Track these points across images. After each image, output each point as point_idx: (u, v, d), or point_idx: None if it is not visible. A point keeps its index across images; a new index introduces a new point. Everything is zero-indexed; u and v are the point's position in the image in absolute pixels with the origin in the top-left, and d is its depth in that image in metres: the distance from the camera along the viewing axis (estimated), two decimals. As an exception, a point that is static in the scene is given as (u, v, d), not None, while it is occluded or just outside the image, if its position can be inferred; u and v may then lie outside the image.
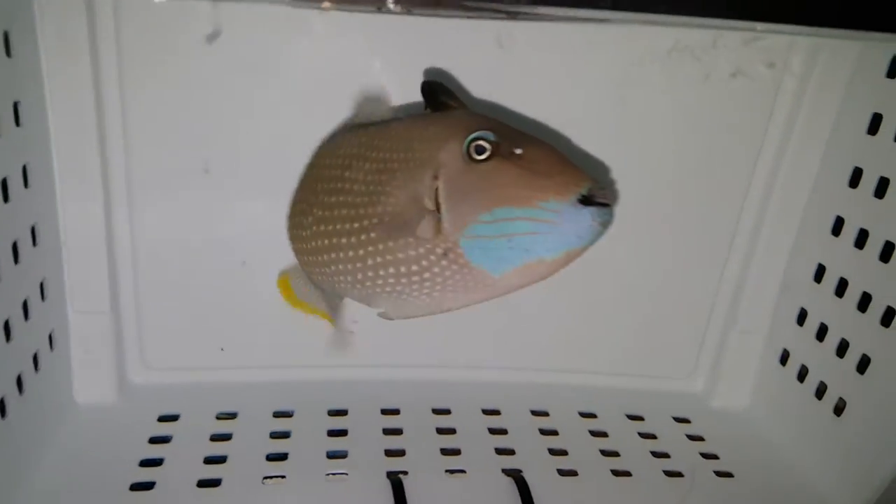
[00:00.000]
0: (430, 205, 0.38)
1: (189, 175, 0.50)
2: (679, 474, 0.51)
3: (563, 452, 0.52)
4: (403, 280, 0.40)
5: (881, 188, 0.48)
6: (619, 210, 0.43)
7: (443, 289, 0.40)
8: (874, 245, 0.48)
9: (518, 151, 0.36)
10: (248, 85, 0.48)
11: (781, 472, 0.53)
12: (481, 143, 0.36)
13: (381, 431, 0.52)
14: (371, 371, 0.57)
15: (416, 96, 0.47)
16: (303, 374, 0.56)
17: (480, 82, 0.49)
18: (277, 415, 0.53)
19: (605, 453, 0.52)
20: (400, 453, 0.50)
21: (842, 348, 0.50)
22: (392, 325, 0.51)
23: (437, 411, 0.55)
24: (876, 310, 0.47)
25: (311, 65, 0.49)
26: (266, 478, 0.47)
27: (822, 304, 0.52)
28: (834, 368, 0.51)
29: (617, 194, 0.53)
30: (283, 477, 0.47)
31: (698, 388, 0.61)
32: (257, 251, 0.53)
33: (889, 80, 0.47)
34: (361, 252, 0.40)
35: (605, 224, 0.36)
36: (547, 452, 0.52)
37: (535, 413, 0.56)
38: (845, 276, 0.50)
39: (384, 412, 0.54)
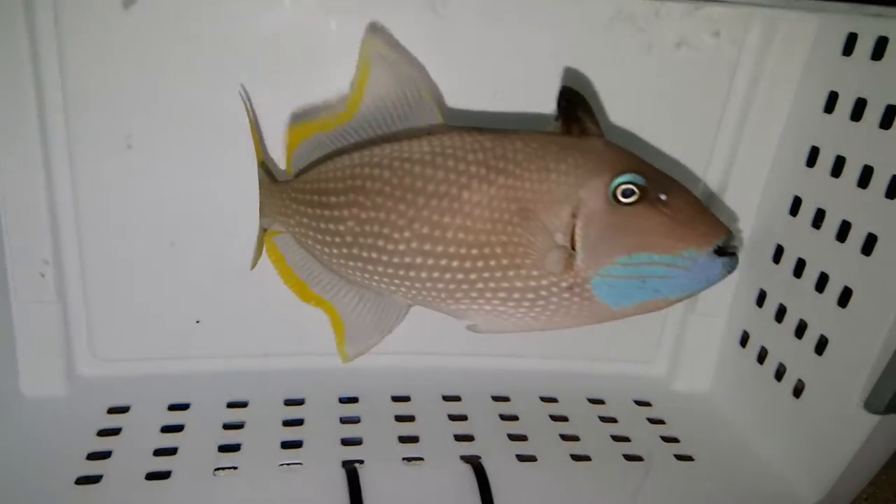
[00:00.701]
0: (562, 240, 0.37)
1: (122, 151, 0.48)
2: (639, 458, 0.50)
3: (523, 438, 0.51)
4: (511, 304, 0.39)
5: (837, 167, 0.47)
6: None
7: (553, 314, 0.40)
8: (831, 224, 0.48)
9: (663, 197, 0.36)
10: (167, 53, 0.46)
11: (742, 454, 0.52)
12: (630, 186, 0.35)
13: (338, 420, 0.51)
14: (329, 360, 0.56)
15: (339, 60, 0.46)
16: (258, 364, 0.55)
17: (412, 47, 0.47)
18: (231, 405, 0.52)
19: (564, 438, 0.52)
20: (357, 442, 0.49)
21: (800, 329, 0.50)
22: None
23: (396, 398, 0.54)
24: (833, 289, 0.47)
25: (231, 31, 0.46)
26: (218, 469, 0.45)
27: (781, 285, 0.52)
28: (793, 350, 0.50)
29: (742, 240, 0.53)
30: (234, 468, 0.46)
31: (660, 372, 0.60)
32: (203, 237, 0.51)
33: (845, 57, 0.47)
34: (473, 276, 0.39)
35: (732, 271, 0.37)
36: (507, 438, 0.51)
37: (495, 398, 0.55)
38: (803, 257, 0.50)
39: (342, 401, 0.53)
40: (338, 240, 0.41)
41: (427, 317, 0.51)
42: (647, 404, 0.57)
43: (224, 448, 0.47)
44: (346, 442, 0.49)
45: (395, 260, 0.40)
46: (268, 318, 0.53)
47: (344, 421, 0.51)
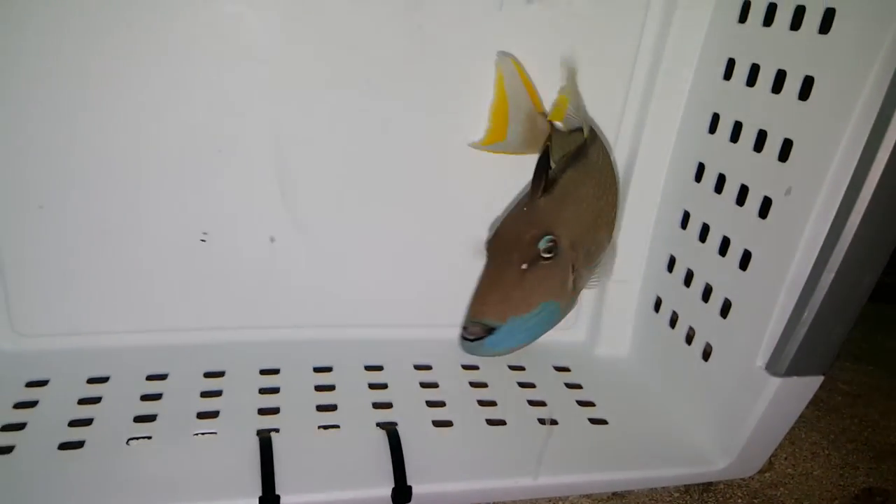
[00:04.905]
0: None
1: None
2: (555, 422, 0.51)
3: (441, 404, 0.52)
4: None
5: (735, 133, 0.48)
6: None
7: None
8: (731, 189, 0.49)
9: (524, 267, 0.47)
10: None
11: (656, 417, 0.54)
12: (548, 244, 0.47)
13: (257, 391, 0.52)
14: (255, 332, 0.57)
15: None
16: (182, 338, 0.56)
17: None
18: (151, 377, 0.52)
19: (482, 403, 0.53)
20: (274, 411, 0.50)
21: (706, 293, 0.51)
22: (272, 288, 0.53)
23: (318, 369, 0.55)
24: (734, 253, 0.48)
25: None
26: (131, 438, 0.46)
27: (689, 250, 0.53)
28: (700, 313, 0.52)
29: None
30: (148, 438, 0.46)
31: (581, 338, 0.62)
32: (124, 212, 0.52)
33: (740, 25, 0.48)
34: None
35: (468, 351, 0.48)
36: (425, 405, 0.52)
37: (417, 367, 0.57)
38: (707, 222, 0.51)
39: (262, 372, 0.54)
40: None
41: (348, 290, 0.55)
42: (567, 370, 0.58)
43: (139, 419, 0.48)
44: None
45: None
46: (187, 291, 0.54)
47: (263, 391, 0.52)
